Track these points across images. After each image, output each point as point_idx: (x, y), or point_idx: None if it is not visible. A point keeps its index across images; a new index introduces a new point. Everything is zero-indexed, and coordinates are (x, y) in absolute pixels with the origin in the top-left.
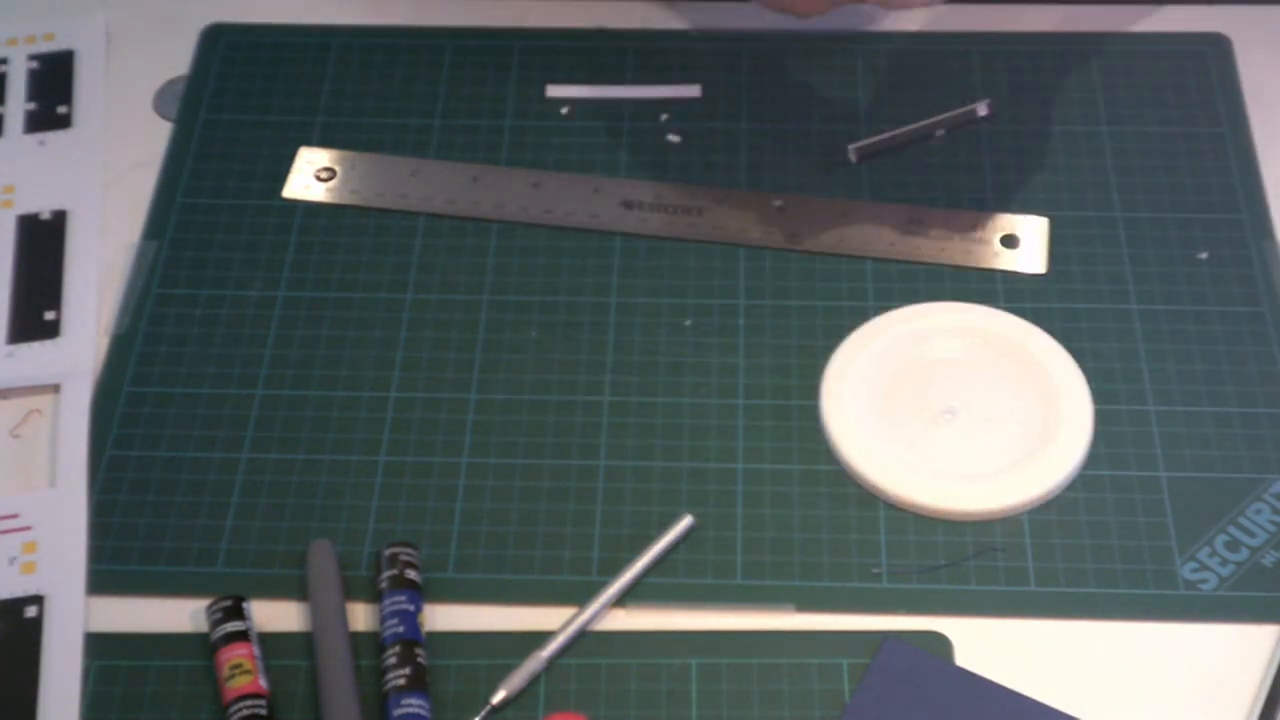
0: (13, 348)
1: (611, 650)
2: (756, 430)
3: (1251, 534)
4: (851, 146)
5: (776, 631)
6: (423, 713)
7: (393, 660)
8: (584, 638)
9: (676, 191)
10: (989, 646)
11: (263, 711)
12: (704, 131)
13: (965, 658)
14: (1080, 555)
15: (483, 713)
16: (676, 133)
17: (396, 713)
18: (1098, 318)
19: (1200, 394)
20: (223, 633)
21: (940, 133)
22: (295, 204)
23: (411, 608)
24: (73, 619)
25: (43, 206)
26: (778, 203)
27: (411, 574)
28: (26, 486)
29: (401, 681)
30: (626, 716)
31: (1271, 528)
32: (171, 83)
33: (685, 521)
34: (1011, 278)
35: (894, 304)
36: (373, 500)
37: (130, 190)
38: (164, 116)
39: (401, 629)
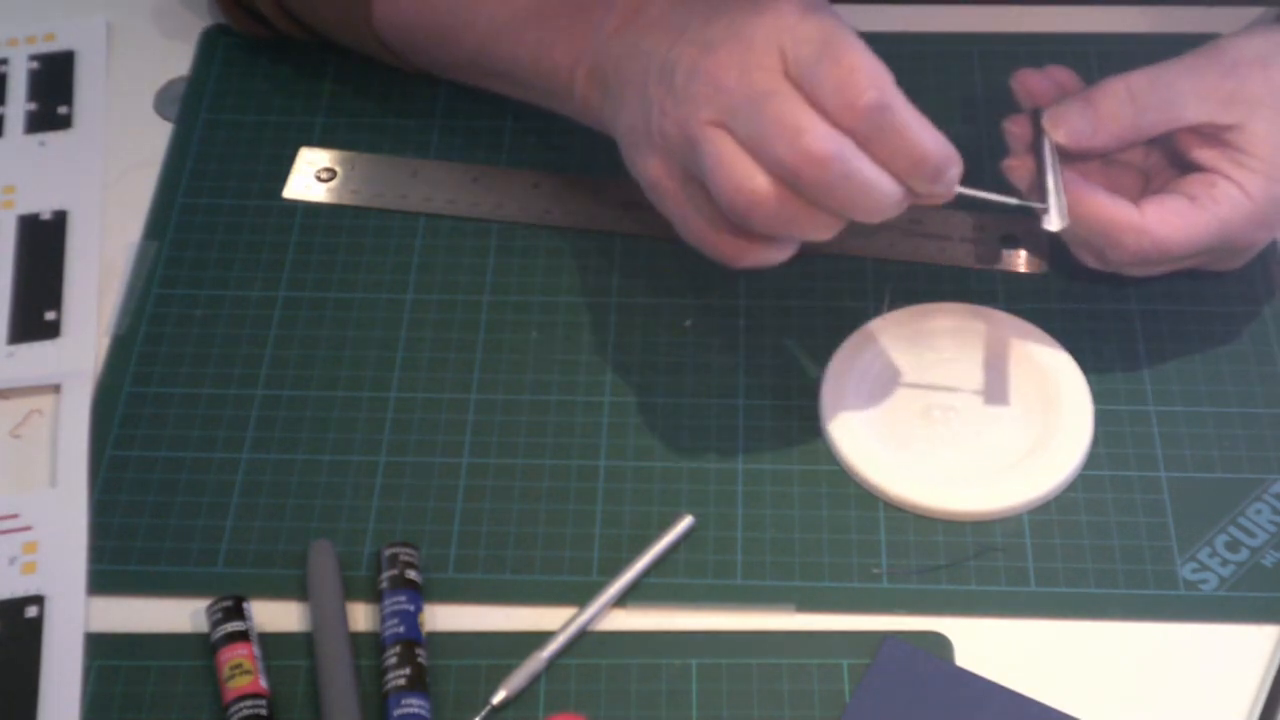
0: (13, 348)
1: (611, 650)
2: (756, 430)
3: (1251, 534)
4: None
5: (776, 631)
6: (423, 713)
7: (393, 660)
8: (584, 638)
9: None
10: (989, 646)
11: (263, 711)
12: None
13: (965, 658)
14: (1080, 555)
15: (483, 713)
16: None
17: (397, 713)
18: (1098, 318)
19: (1200, 394)
20: (223, 633)
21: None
22: (295, 204)
23: (412, 608)
24: (73, 619)
25: (43, 207)
26: None
27: (412, 574)
28: (27, 486)
29: (402, 681)
30: (626, 716)
31: (1271, 528)
32: (171, 83)
33: (685, 521)
34: (1011, 278)
35: (894, 304)
36: (373, 500)
37: (130, 190)
38: (164, 117)
39: (402, 629)
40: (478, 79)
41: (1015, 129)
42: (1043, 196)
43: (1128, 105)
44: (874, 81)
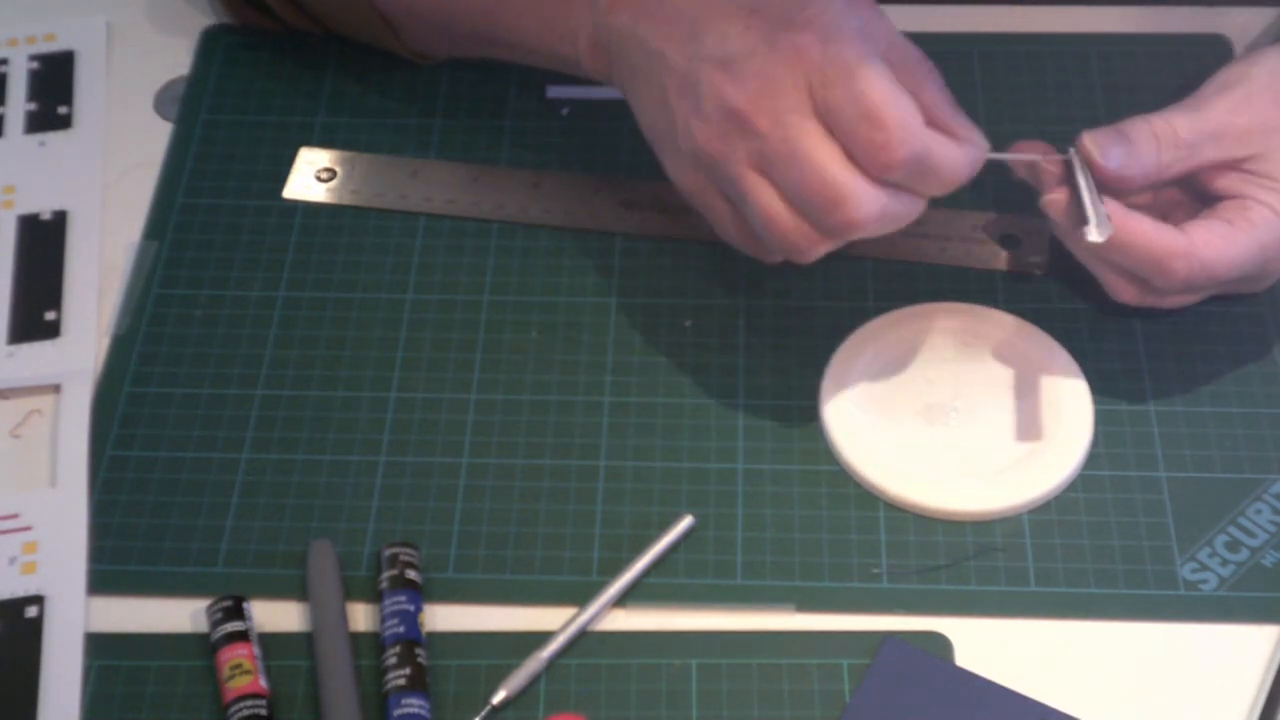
0: (13, 348)
1: (611, 650)
2: (756, 430)
3: (1251, 534)
4: None
5: (776, 631)
6: (423, 713)
7: (393, 660)
8: (584, 638)
9: (677, 191)
10: (989, 646)
11: (263, 711)
12: None
13: (965, 658)
14: (1080, 555)
15: (483, 713)
16: None
17: (396, 713)
18: (1098, 318)
19: (1200, 394)
20: (223, 633)
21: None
22: (295, 204)
23: (411, 608)
24: (73, 619)
25: (43, 207)
26: None
27: (412, 574)
28: (27, 486)
29: (401, 681)
30: (626, 716)
31: (1271, 528)
32: (171, 83)
33: (685, 521)
34: (1011, 278)
35: (894, 304)
36: (373, 500)
37: (130, 190)
38: (164, 117)
39: (401, 629)
40: (482, 50)
41: (1029, 150)
42: (1082, 213)
43: (1152, 143)
44: (904, 135)
